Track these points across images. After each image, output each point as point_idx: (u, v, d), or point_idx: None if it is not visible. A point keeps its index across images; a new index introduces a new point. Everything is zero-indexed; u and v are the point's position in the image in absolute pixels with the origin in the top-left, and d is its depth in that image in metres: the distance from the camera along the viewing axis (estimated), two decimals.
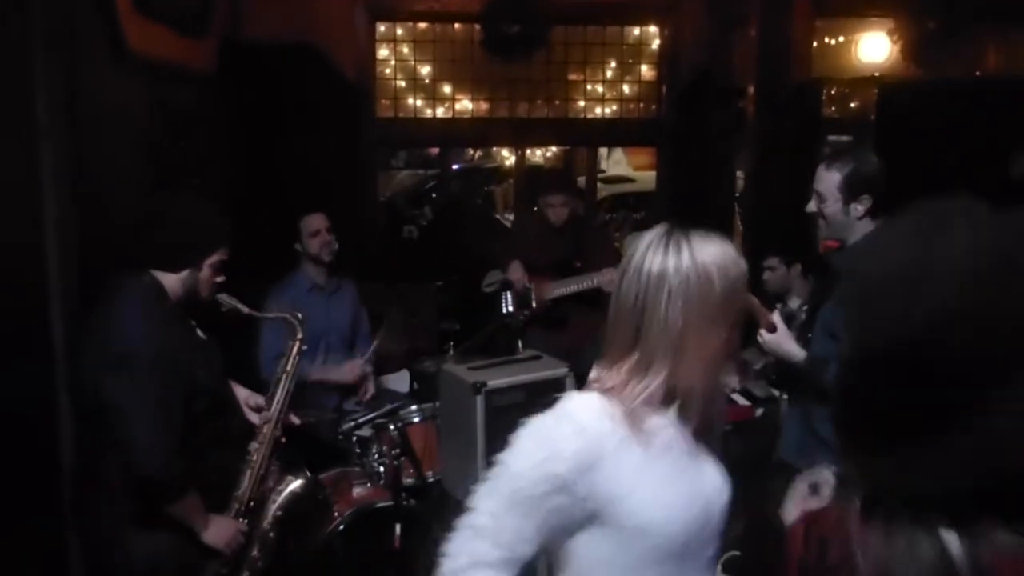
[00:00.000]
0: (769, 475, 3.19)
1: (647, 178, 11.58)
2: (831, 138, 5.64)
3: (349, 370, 3.88)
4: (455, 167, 11.68)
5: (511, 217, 8.96)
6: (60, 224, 2.60)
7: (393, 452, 3.13)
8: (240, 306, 2.66)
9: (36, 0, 2.49)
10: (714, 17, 5.87)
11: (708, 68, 5.85)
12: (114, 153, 3.05)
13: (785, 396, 3.38)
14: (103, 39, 3.01)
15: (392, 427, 3.42)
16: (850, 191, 2.67)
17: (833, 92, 5.41)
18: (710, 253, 1.39)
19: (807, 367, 2.68)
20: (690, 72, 5.97)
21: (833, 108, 5.51)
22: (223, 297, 2.61)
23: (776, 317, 2.82)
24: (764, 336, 2.81)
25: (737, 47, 5.74)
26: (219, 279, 2.53)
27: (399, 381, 4.45)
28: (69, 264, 2.65)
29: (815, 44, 5.61)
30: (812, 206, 2.80)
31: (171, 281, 2.42)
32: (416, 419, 3.45)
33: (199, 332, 2.55)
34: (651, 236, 1.43)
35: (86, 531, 2.53)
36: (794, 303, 3.74)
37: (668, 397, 1.44)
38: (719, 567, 3.86)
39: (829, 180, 2.70)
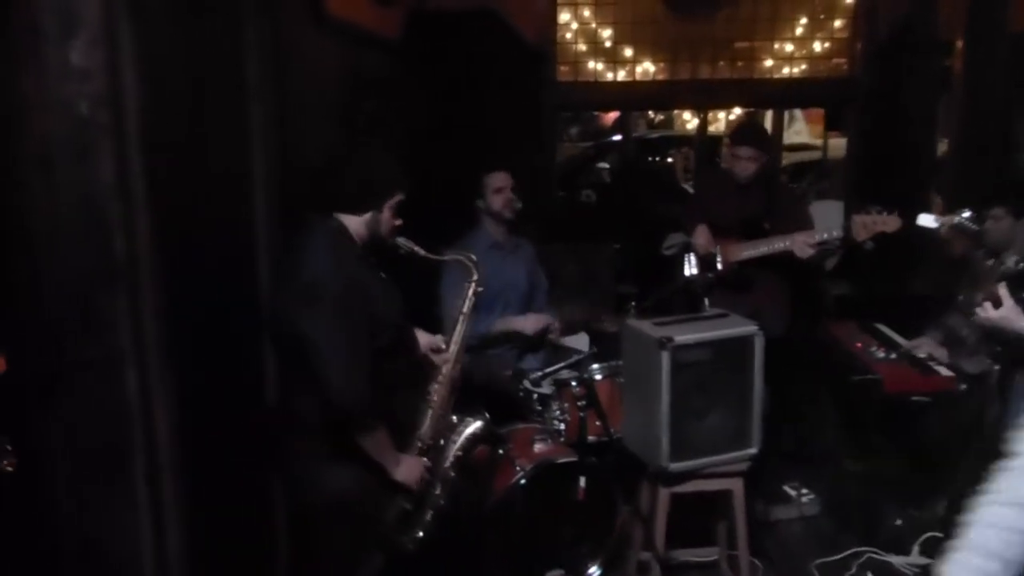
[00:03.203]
0: (977, 452, 2.97)
1: (832, 146, 11.01)
2: None
3: (533, 321, 3.87)
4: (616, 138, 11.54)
5: (687, 185, 8.79)
6: (267, 180, 2.76)
7: (579, 404, 3.13)
8: (416, 248, 2.72)
9: None
10: None
11: (909, 20, 5.44)
12: (312, 114, 3.21)
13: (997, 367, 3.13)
14: (305, 4, 3.16)
15: (574, 383, 3.43)
16: None
17: None
18: None
19: None
20: (889, 25, 5.58)
21: None
22: (401, 240, 2.68)
23: (1003, 291, 2.57)
24: (988, 312, 2.57)
25: None
26: (398, 222, 2.62)
27: (578, 342, 4.46)
28: (273, 216, 2.81)
29: None
30: None
31: (355, 224, 2.52)
32: (598, 376, 3.44)
33: (381, 274, 2.65)
34: None
35: (285, 465, 2.69)
36: (1011, 260, 3.42)
37: None
38: (916, 548, 3.66)
39: None
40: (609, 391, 3.41)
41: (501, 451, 3.34)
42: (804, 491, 4.10)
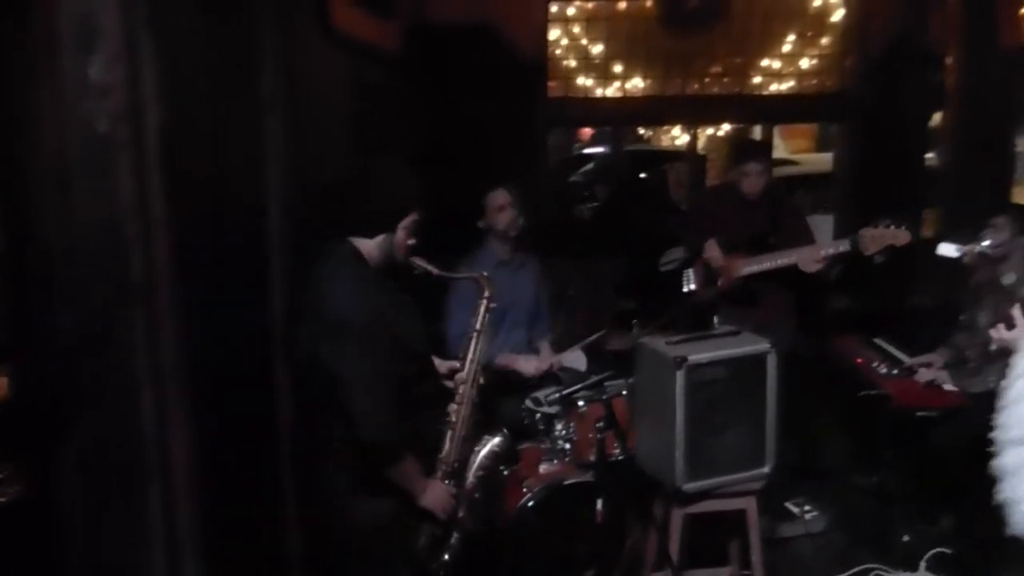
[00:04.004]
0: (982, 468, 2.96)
1: (810, 160, 11.12)
2: None
3: (535, 366, 3.81)
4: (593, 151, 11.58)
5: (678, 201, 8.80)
6: (281, 197, 2.71)
7: (597, 426, 3.09)
8: (431, 268, 2.67)
9: None
10: None
11: (901, 35, 5.48)
12: (321, 126, 3.16)
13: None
14: (314, 19, 3.12)
15: (581, 403, 3.39)
16: None
17: None
18: None
19: None
20: (882, 39, 5.61)
21: None
22: (416, 260, 2.63)
23: (1017, 312, 2.57)
24: (1002, 333, 2.56)
25: (936, 10, 5.32)
26: (412, 241, 2.56)
27: (575, 359, 4.41)
28: (287, 235, 2.76)
29: None
30: None
31: (368, 247, 2.47)
32: (606, 395, 3.40)
33: (403, 296, 2.59)
34: None
35: (307, 494, 2.62)
36: (1008, 278, 3.41)
37: None
38: (923, 565, 3.64)
39: None
40: (618, 409, 3.37)
41: (506, 471, 3.29)
42: (807, 508, 4.08)
